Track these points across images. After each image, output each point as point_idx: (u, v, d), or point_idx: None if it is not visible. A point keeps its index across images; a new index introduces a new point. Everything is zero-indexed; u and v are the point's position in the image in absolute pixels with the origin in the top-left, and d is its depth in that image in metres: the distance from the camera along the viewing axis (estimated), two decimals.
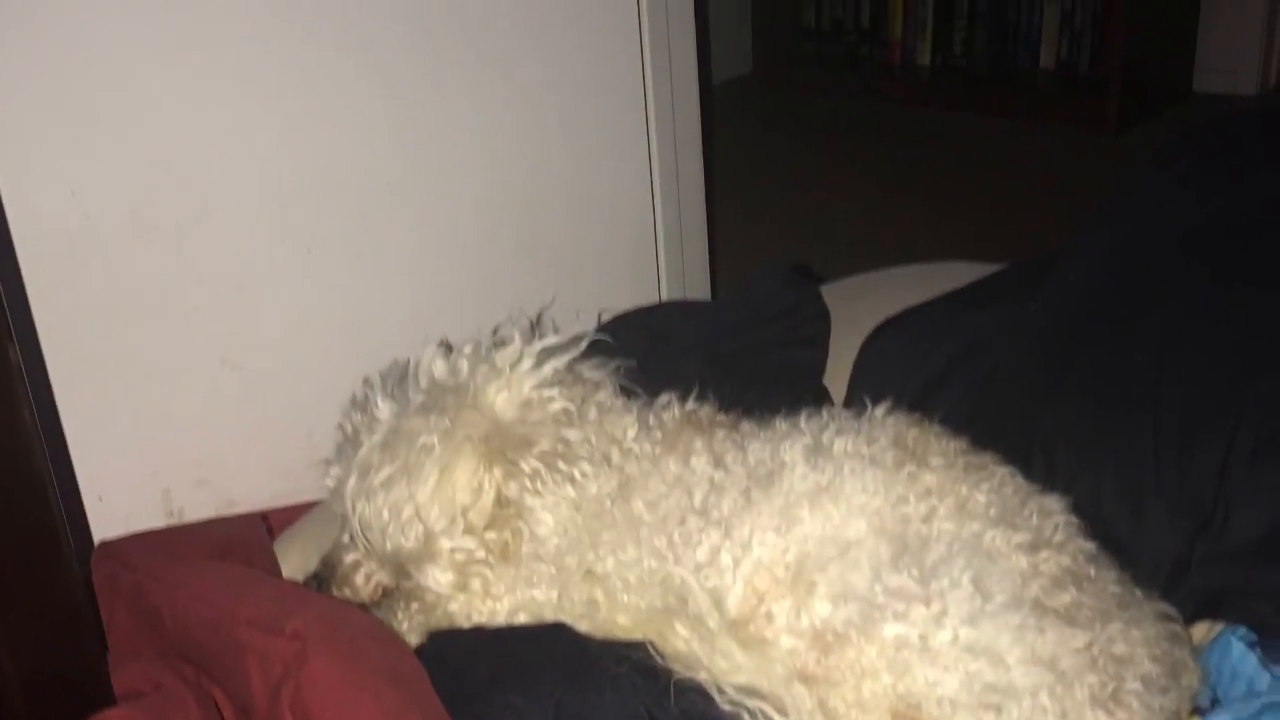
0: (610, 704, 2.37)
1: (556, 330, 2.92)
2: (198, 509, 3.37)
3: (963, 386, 3.14)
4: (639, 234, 4.11)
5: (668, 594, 2.48)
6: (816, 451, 2.51)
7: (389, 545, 2.69)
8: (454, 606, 2.70)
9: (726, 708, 2.33)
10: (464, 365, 2.78)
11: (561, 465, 2.64)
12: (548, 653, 2.51)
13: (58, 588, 3.02)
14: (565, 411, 2.73)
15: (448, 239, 3.65)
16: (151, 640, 2.89)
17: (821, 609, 2.29)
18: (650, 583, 2.51)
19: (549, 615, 2.63)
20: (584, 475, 2.64)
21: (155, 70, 3.05)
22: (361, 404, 2.82)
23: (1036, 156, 7.53)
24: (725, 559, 2.43)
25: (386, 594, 2.82)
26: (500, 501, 2.66)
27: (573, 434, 2.69)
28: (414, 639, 2.71)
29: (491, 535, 2.66)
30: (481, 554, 2.66)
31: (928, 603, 2.20)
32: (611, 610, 2.56)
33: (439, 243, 3.63)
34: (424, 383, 2.79)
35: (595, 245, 3.99)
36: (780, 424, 2.66)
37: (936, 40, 8.70)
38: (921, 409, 2.73)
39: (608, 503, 2.61)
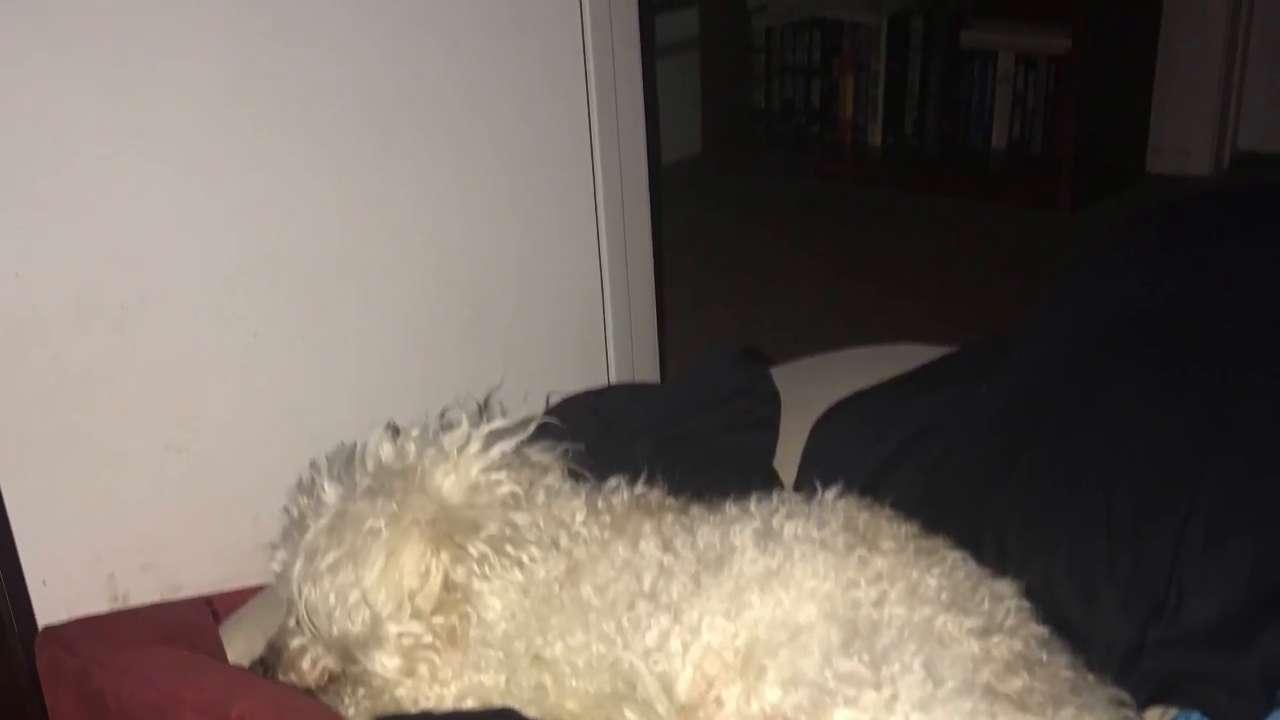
0: None
1: (504, 413, 2.91)
2: (142, 593, 3.33)
3: (914, 469, 3.13)
4: (587, 316, 4.10)
5: (616, 679, 2.45)
6: (766, 535, 2.50)
7: (335, 630, 2.66)
8: (401, 692, 2.67)
9: None
10: (411, 448, 2.77)
11: (509, 549, 2.62)
12: None
13: (1, 673, 3.00)
14: (513, 495, 2.71)
15: (395, 322, 3.64)
16: None
17: (772, 694, 2.27)
18: (599, 668, 2.48)
19: (496, 700, 2.60)
20: (532, 559, 2.63)
21: (99, 153, 3.03)
22: (308, 487, 2.80)
23: (989, 237, 7.54)
24: (674, 644, 2.41)
25: (333, 679, 2.79)
26: (448, 586, 2.64)
27: (521, 518, 2.67)
28: None
29: (439, 620, 2.64)
30: (429, 639, 2.63)
31: (879, 688, 2.18)
32: (560, 695, 2.53)
33: (386, 325, 3.62)
34: (370, 466, 2.77)
35: (543, 328, 3.99)
36: (730, 508, 2.64)
37: (887, 120, 8.72)
38: (873, 492, 2.73)
39: (556, 587, 2.59)
